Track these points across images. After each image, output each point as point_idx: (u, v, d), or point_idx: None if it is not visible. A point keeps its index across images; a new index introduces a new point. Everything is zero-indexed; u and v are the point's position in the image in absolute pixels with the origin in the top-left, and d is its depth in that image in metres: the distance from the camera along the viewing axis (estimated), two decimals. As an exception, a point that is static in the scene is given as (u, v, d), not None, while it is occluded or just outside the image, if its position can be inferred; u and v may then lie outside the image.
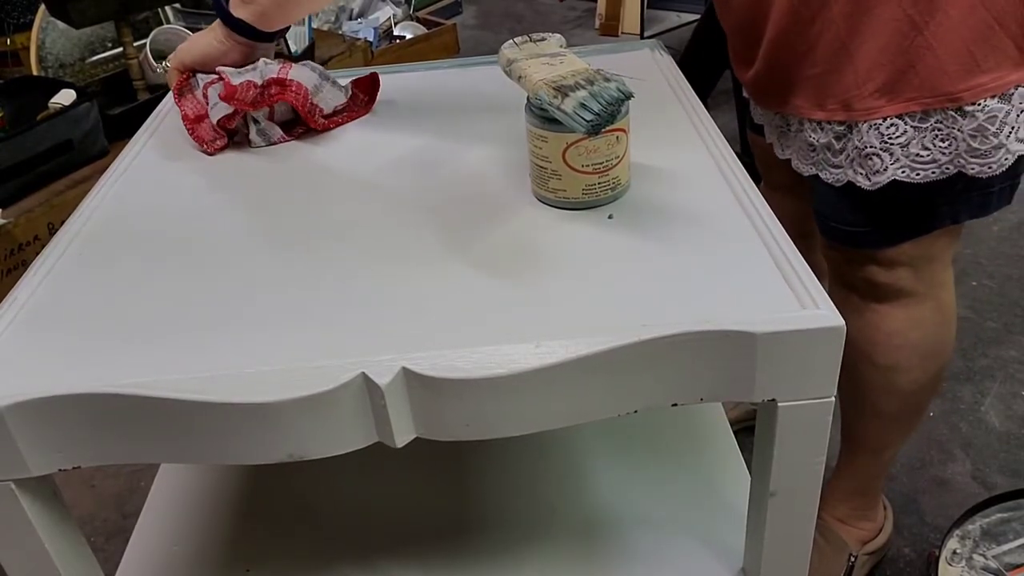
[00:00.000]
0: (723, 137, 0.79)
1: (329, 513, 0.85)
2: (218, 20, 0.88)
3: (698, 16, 2.56)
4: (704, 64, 2.22)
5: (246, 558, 0.81)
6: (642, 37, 3.01)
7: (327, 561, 0.80)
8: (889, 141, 0.83)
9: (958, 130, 0.81)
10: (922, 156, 0.83)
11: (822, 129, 0.88)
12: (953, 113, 0.81)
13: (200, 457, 0.57)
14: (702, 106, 0.86)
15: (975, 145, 0.82)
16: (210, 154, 0.86)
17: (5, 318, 0.63)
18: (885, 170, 0.85)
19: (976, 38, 0.78)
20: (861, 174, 0.86)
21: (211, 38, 0.89)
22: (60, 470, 0.58)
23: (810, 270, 0.60)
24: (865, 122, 0.83)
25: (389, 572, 0.79)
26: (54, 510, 0.62)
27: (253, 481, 0.89)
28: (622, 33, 3.30)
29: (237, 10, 0.86)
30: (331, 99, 0.87)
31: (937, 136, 0.82)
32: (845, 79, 0.83)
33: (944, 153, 0.83)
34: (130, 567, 0.81)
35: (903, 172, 0.84)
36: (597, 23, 3.37)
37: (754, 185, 0.71)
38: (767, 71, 0.91)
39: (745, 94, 1.03)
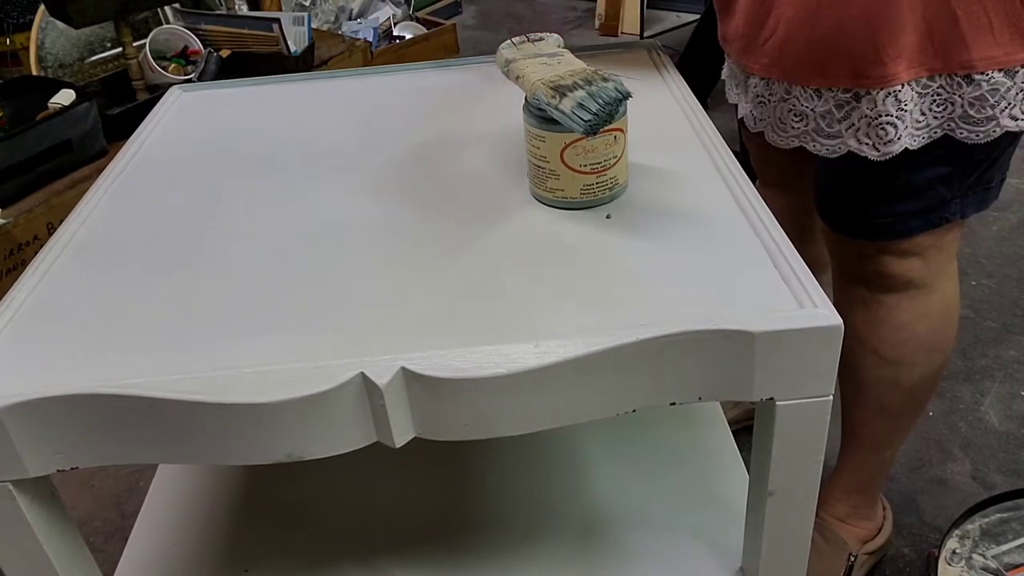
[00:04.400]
0: (721, 137, 0.79)
1: (328, 513, 0.85)
2: None
3: (698, 16, 2.56)
4: (704, 64, 2.21)
5: (245, 558, 0.81)
6: (642, 37, 3.01)
7: (326, 561, 0.80)
8: (904, 108, 0.82)
9: (959, 96, 0.82)
10: (920, 122, 0.84)
11: (819, 97, 0.85)
12: (960, 79, 0.81)
13: (199, 457, 0.57)
14: (700, 106, 0.85)
15: (971, 112, 0.82)
16: None
17: (3, 318, 0.63)
18: (899, 139, 0.84)
19: (999, 10, 0.78)
20: (867, 144, 0.85)
21: None
22: (58, 471, 0.58)
23: (808, 269, 0.60)
24: (882, 89, 0.82)
25: (389, 572, 0.79)
26: (52, 511, 0.62)
27: (252, 481, 0.89)
28: (621, 33, 3.30)
29: None
30: None
31: (934, 101, 0.83)
32: (860, 43, 0.80)
33: (937, 117, 0.83)
34: (128, 567, 0.81)
35: (910, 139, 0.84)
36: (597, 23, 3.37)
37: (752, 185, 0.71)
38: (767, 30, 0.87)
39: (724, 73, 1.01)
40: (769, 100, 0.92)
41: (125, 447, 0.56)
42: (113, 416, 0.55)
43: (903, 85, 0.82)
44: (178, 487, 0.89)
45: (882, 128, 0.84)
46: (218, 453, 0.56)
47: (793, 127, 0.89)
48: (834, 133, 0.87)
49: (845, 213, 0.96)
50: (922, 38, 0.79)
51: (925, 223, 0.92)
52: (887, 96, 0.82)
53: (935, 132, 0.84)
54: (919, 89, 0.82)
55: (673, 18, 3.20)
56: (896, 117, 0.83)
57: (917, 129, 0.84)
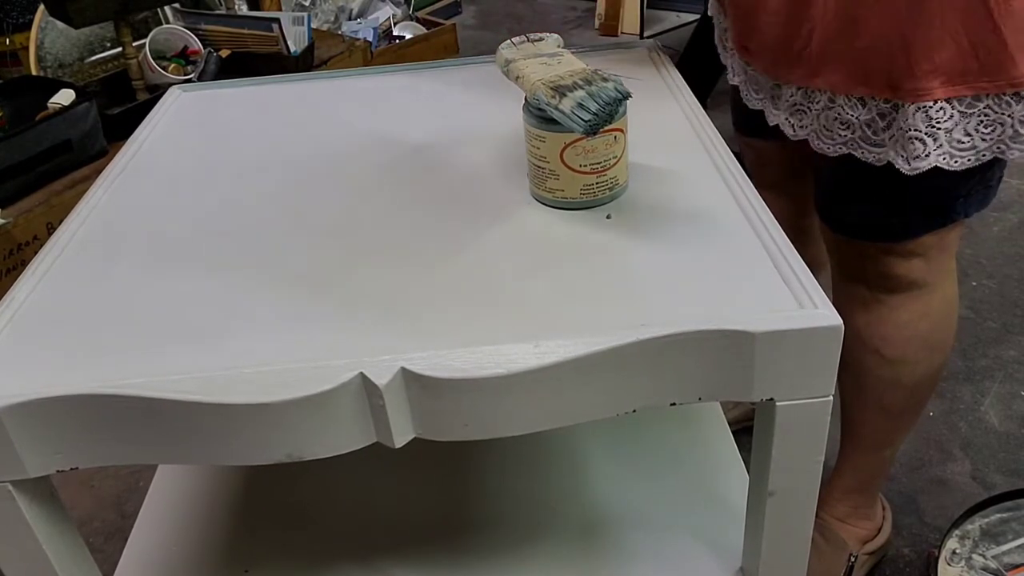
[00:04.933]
0: (721, 137, 0.79)
1: (328, 513, 0.85)
2: None
3: (698, 16, 2.56)
4: (704, 64, 2.21)
5: (245, 559, 0.81)
6: (642, 37, 3.01)
7: (326, 562, 0.80)
8: (936, 125, 0.81)
9: (1008, 116, 0.80)
10: (963, 143, 0.82)
11: (863, 106, 0.84)
12: (1009, 98, 0.79)
13: (198, 458, 0.57)
14: (700, 106, 0.85)
15: (1021, 131, 0.80)
16: None
17: (3, 318, 0.63)
18: (927, 156, 0.82)
19: None
20: (902, 156, 0.84)
21: None
22: (58, 471, 0.58)
23: (808, 269, 0.60)
24: (912, 104, 0.81)
25: (389, 572, 0.79)
26: (52, 511, 0.62)
27: (252, 481, 0.89)
28: (621, 33, 3.29)
29: None
30: None
31: (982, 122, 0.81)
32: (896, 56, 0.79)
33: (985, 139, 0.82)
34: (128, 568, 0.81)
35: (943, 159, 0.82)
36: (597, 23, 3.37)
37: (751, 185, 0.71)
38: (800, 40, 0.86)
39: (734, 79, 1.01)
40: (810, 109, 0.90)
41: (125, 447, 0.56)
42: (113, 416, 0.55)
43: (936, 102, 0.80)
44: (178, 487, 0.89)
45: (911, 143, 0.82)
46: (218, 453, 0.56)
47: (840, 135, 0.88)
48: (879, 142, 0.86)
49: (849, 214, 0.95)
50: (964, 55, 0.78)
51: (931, 224, 0.92)
52: (917, 111, 0.81)
53: (983, 155, 0.83)
54: (962, 108, 0.80)
55: (673, 18, 3.20)
56: (926, 134, 0.81)
57: (960, 150, 0.82)
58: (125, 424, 0.55)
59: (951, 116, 0.81)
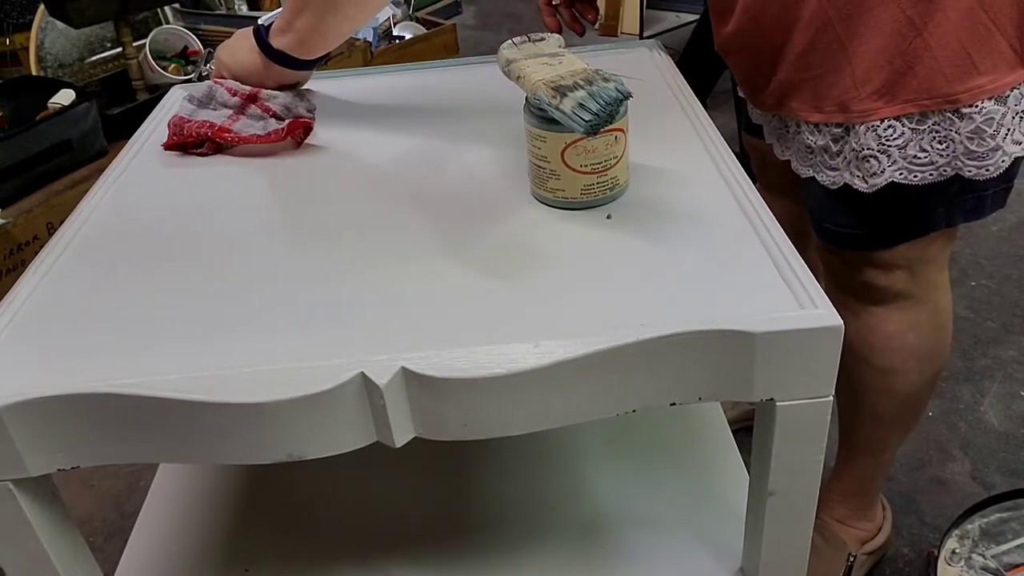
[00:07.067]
0: (721, 137, 0.79)
1: (328, 513, 0.85)
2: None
3: (697, 16, 2.56)
4: (703, 64, 2.22)
5: (245, 558, 0.81)
6: (641, 37, 3.01)
7: (326, 561, 0.80)
8: (887, 143, 0.83)
9: (955, 132, 0.81)
10: (920, 158, 0.83)
11: (820, 132, 0.88)
12: (950, 115, 0.81)
13: (199, 457, 0.57)
14: (700, 106, 0.86)
15: (972, 147, 0.82)
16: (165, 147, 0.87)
17: (3, 318, 0.63)
18: (882, 172, 0.84)
19: (973, 40, 0.78)
20: (858, 176, 0.86)
21: (252, 60, 0.88)
22: (59, 470, 0.58)
23: (808, 270, 0.60)
24: (862, 124, 0.83)
25: (389, 572, 0.79)
26: (53, 510, 0.62)
27: (252, 481, 0.89)
28: (621, 33, 3.30)
29: (276, 39, 0.85)
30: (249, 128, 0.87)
31: (935, 138, 0.82)
32: (843, 81, 0.82)
33: (941, 155, 0.83)
34: (129, 567, 0.81)
35: (900, 174, 0.84)
36: (597, 23, 3.37)
37: (752, 185, 0.71)
38: (766, 74, 0.90)
39: (741, 93, 1.03)
40: (787, 132, 0.95)
41: (125, 446, 0.56)
42: (114, 415, 0.55)
43: (883, 121, 0.82)
44: (178, 487, 0.89)
45: (867, 161, 0.85)
46: (218, 453, 0.56)
47: (807, 159, 0.92)
48: (834, 166, 0.89)
49: (828, 222, 0.95)
50: (902, 74, 0.80)
51: (905, 234, 0.92)
52: (867, 131, 0.83)
53: (944, 171, 0.84)
54: (912, 125, 0.82)
55: (673, 18, 3.20)
56: (878, 151, 0.84)
57: (918, 165, 0.84)
58: (126, 423, 0.55)
59: (902, 134, 0.83)
